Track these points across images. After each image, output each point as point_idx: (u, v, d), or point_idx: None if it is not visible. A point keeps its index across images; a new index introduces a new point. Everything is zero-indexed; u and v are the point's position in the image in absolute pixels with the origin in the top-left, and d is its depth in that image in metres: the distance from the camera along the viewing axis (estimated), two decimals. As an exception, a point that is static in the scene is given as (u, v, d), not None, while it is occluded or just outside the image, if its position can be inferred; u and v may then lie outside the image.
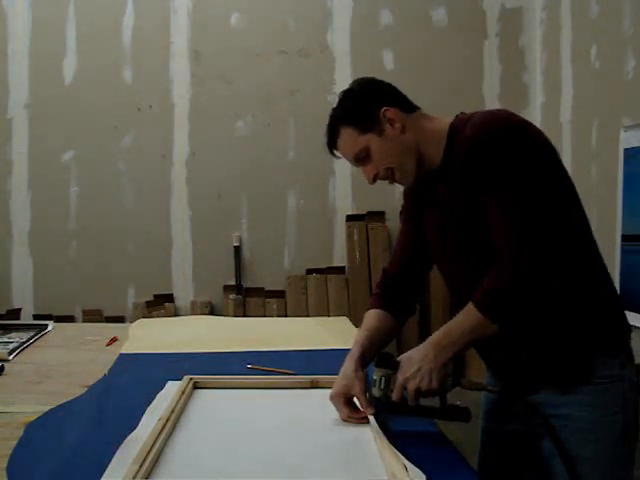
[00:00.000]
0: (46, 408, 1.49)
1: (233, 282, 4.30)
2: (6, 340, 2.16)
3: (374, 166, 1.39)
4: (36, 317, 4.11)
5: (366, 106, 1.37)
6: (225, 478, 1.11)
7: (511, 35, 4.37)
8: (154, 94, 4.29)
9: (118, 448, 1.20)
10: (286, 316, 4.16)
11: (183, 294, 4.35)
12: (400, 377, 1.30)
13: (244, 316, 4.15)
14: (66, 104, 4.25)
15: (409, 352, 1.34)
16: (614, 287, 1.39)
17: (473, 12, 4.38)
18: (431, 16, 4.32)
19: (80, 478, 1.12)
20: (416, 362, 1.30)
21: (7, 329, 2.33)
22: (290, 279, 4.33)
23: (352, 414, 1.36)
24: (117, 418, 1.40)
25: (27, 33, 4.25)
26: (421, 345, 1.33)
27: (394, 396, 1.30)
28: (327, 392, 1.47)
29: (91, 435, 1.31)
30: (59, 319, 3.63)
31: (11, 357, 1.95)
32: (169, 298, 4.32)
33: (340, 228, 4.39)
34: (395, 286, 1.61)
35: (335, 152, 1.43)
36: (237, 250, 4.32)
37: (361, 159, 1.39)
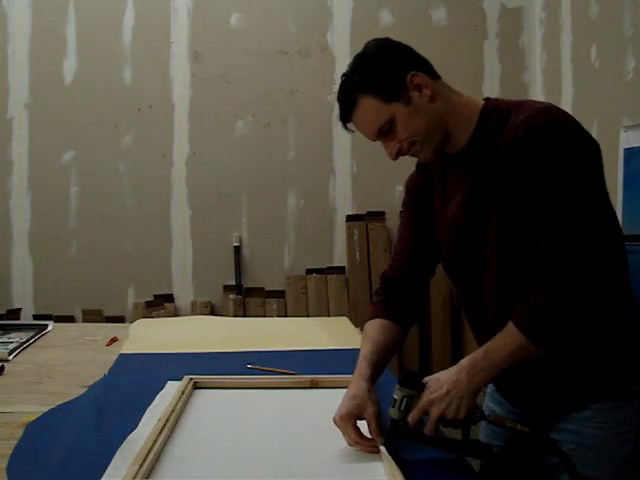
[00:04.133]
0: (46, 408, 1.49)
1: (233, 282, 4.30)
2: (6, 340, 2.16)
3: (398, 140, 1.23)
4: (36, 317, 4.11)
5: (390, 71, 1.21)
6: (225, 478, 1.11)
7: (511, 35, 4.37)
8: (154, 94, 4.29)
9: (118, 448, 1.20)
10: (286, 316, 4.16)
11: (183, 294, 4.35)
12: (424, 399, 1.16)
13: (244, 316, 4.15)
14: (66, 104, 4.25)
15: (438, 373, 1.20)
16: (635, 303, 1.29)
17: (473, 12, 4.38)
18: (431, 16, 4.32)
19: (80, 478, 1.12)
20: (445, 385, 1.16)
21: (7, 329, 2.33)
22: (290, 279, 4.33)
23: (360, 440, 1.21)
24: (117, 418, 1.40)
25: (27, 33, 4.25)
26: (453, 367, 1.19)
27: (410, 418, 1.17)
28: (327, 392, 1.47)
29: (91, 435, 1.31)
30: (59, 319, 3.63)
31: (11, 357, 1.95)
32: (169, 298, 4.32)
33: (340, 228, 4.38)
34: (397, 292, 1.46)
35: (349, 126, 1.29)
36: (237, 250, 4.31)
37: (384, 132, 1.23)
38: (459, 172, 1.27)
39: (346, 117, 1.29)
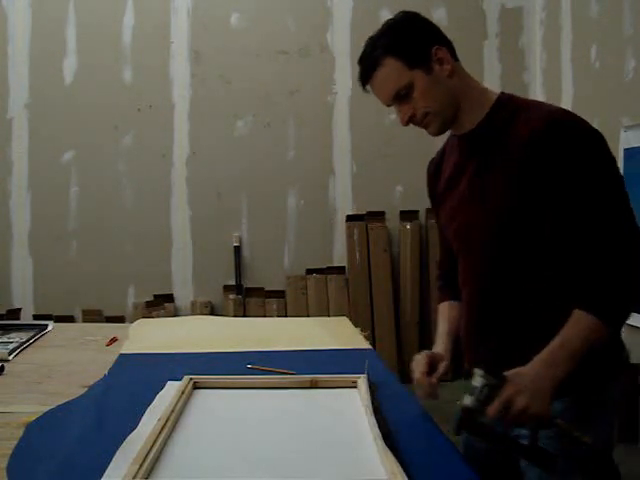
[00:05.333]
0: (46, 408, 1.49)
1: (233, 282, 4.30)
2: (6, 340, 2.15)
3: (413, 106, 1.28)
4: (36, 317, 4.11)
5: (418, 39, 1.27)
6: (225, 478, 1.11)
7: (511, 35, 4.37)
8: (154, 94, 4.29)
9: (118, 448, 1.20)
10: (286, 316, 4.16)
11: (183, 294, 4.35)
12: (510, 389, 1.12)
13: (244, 316, 4.15)
14: (66, 104, 4.25)
15: (517, 369, 1.17)
16: None
17: (473, 12, 4.38)
18: (431, 16, 4.29)
19: (80, 478, 1.12)
20: (527, 377, 1.14)
21: (7, 329, 2.32)
22: (290, 279, 4.33)
23: (424, 374, 1.37)
24: (117, 418, 1.39)
25: (27, 33, 4.25)
26: (531, 363, 1.17)
27: (492, 408, 1.12)
28: (327, 392, 1.47)
29: (91, 435, 1.31)
30: (59, 319, 3.63)
31: (11, 357, 1.94)
32: (169, 298, 4.32)
33: (340, 228, 4.39)
34: (450, 276, 1.51)
35: (367, 87, 1.31)
36: (237, 250, 4.32)
37: (401, 97, 1.28)
38: (464, 152, 1.34)
39: (366, 77, 1.29)
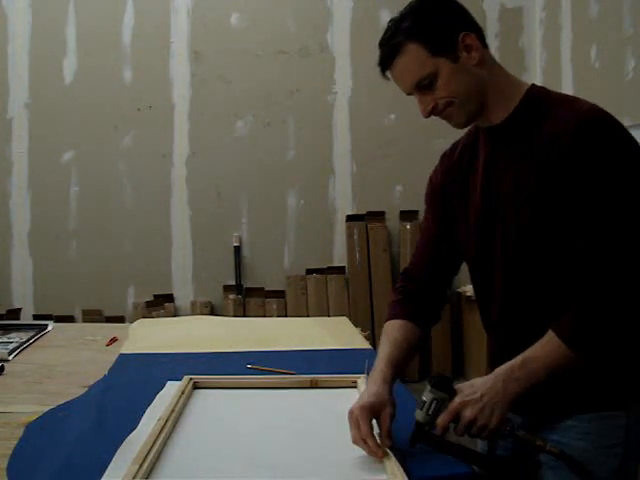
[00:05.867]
0: (46, 408, 1.49)
1: (233, 282, 4.30)
2: (6, 340, 2.16)
3: (435, 97, 1.18)
4: (36, 317, 4.11)
5: (444, 24, 1.17)
6: (225, 478, 1.11)
7: (511, 35, 4.37)
8: (154, 94, 4.29)
9: (118, 448, 1.20)
10: (286, 316, 4.16)
11: (183, 294, 4.35)
12: (457, 400, 1.12)
13: (244, 316, 4.15)
14: (66, 104, 4.25)
15: (473, 380, 1.16)
16: None
17: (473, 12, 4.32)
18: (431, 16, 4.31)
19: (80, 478, 1.12)
20: (479, 390, 1.12)
21: (7, 329, 2.32)
22: (290, 279, 4.33)
23: (369, 437, 1.16)
24: (117, 418, 1.40)
25: (27, 33, 4.25)
26: (489, 375, 1.15)
27: (440, 420, 1.12)
28: (327, 392, 1.47)
29: (91, 435, 1.31)
30: (59, 319, 3.63)
31: (11, 357, 1.95)
32: (169, 298, 4.32)
33: (340, 228, 4.38)
34: (419, 291, 1.37)
35: (387, 73, 1.21)
36: (237, 250, 4.31)
37: (423, 86, 1.17)
38: (489, 146, 1.24)
39: (387, 63, 1.19)
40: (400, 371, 1.30)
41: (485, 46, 1.20)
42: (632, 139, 1.14)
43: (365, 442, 1.16)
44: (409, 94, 1.22)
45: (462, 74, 1.17)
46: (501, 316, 1.26)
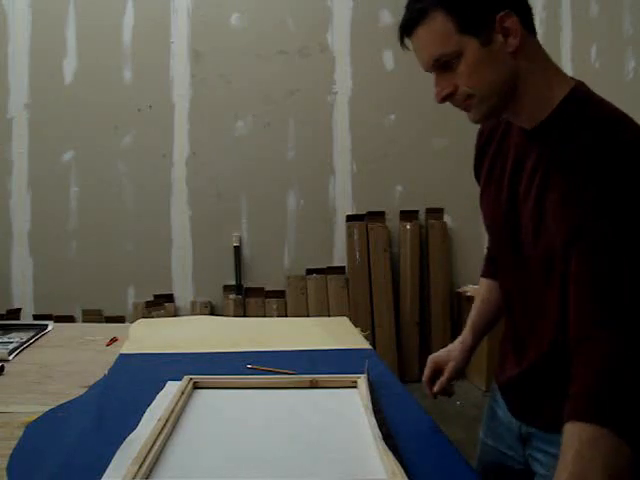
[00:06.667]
0: (46, 408, 1.49)
1: (233, 282, 4.30)
2: (6, 340, 2.15)
3: (455, 82, 1.01)
4: (36, 317, 4.11)
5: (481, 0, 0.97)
6: (225, 478, 1.11)
7: (511, 35, 4.37)
8: (154, 94, 4.29)
9: (118, 448, 1.20)
10: (286, 316, 4.16)
11: (183, 294, 4.35)
12: None
13: (244, 316, 4.15)
14: (66, 104, 4.25)
15: None
16: None
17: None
18: (431, 16, 4.31)
19: (80, 478, 1.12)
20: None
21: (7, 329, 2.32)
22: (290, 279, 4.33)
23: (428, 381, 1.40)
24: (117, 418, 1.39)
25: (27, 33, 4.25)
26: None
27: None
28: (327, 392, 1.47)
29: (91, 435, 1.31)
30: (59, 319, 3.63)
31: (11, 357, 1.94)
32: (169, 298, 4.32)
33: (340, 228, 4.39)
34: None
35: (406, 41, 1.03)
36: (237, 250, 4.32)
37: (441, 64, 1.01)
38: (518, 147, 1.10)
39: (409, 28, 1.01)
40: (486, 330, 1.40)
41: (531, 32, 1.03)
42: None
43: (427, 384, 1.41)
44: (427, 70, 1.05)
45: (491, 62, 0.99)
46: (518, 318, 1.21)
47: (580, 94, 1.04)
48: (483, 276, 1.44)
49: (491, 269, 1.39)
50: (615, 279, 0.92)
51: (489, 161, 1.20)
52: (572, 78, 1.08)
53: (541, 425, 1.18)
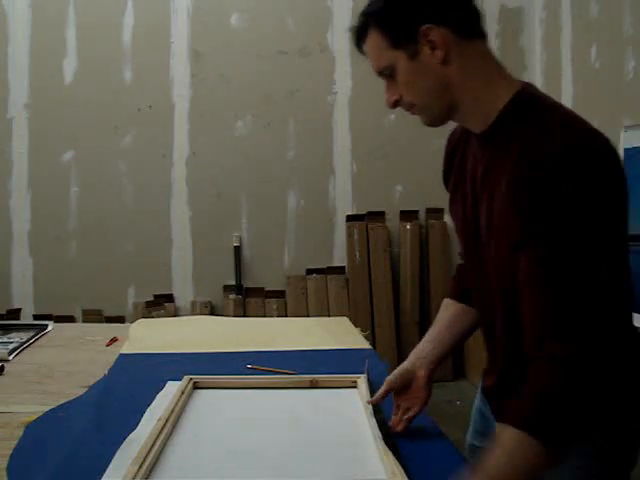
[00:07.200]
0: (46, 408, 1.49)
1: (233, 282, 4.30)
2: (6, 340, 2.15)
3: (397, 91, 1.07)
4: (36, 317, 4.11)
5: (405, 13, 1.02)
6: (225, 478, 1.11)
7: (511, 35, 4.37)
8: (154, 94, 4.29)
9: (118, 448, 1.20)
10: (286, 316, 4.16)
11: (183, 294, 4.35)
12: None
13: (244, 316, 4.15)
14: (66, 104, 4.25)
15: None
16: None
17: (473, 12, 4.38)
18: (431, 16, 4.31)
19: (80, 478, 1.12)
20: None
21: (7, 329, 2.32)
22: (290, 279, 4.33)
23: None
24: (117, 418, 1.40)
25: (27, 33, 4.25)
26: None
27: None
28: (327, 392, 1.47)
29: (91, 435, 1.31)
30: (59, 319, 3.63)
31: (11, 357, 1.95)
32: (169, 298, 4.32)
33: (340, 228, 4.39)
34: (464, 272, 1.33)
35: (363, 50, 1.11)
36: (237, 250, 4.31)
37: (385, 75, 1.08)
38: (473, 153, 1.12)
39: (357, 45, 1.11)
40: (442, 345, 1.33)
41: (470, 34, 1.04)
42: (604, 189, 0.93)
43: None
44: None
45: (421, 73, 1.03)
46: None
47: (526, 95, 1.05)
48: (447, 296, 1.38)
49: (454, 289, 1.37)
50: (561, 284, 0.93)
51: (455, 168, 1.22)
52: (520, 81, 1.09)
53: None
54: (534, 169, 0.94)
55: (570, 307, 0.92)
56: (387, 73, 1.06)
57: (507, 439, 0.93)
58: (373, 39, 1.06)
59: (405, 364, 1.33)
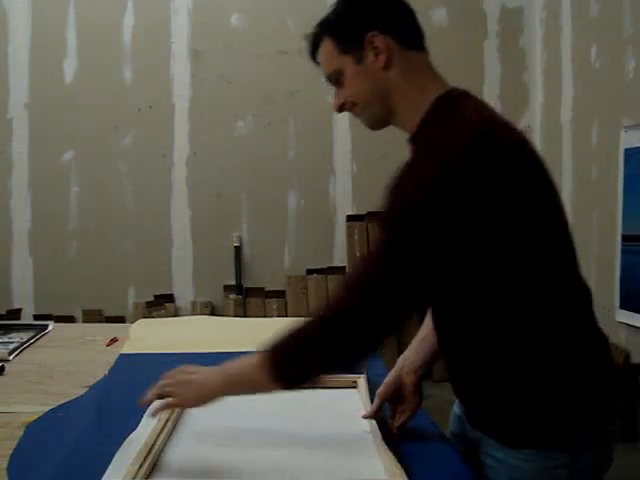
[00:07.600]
0: (46, 408, 1.49)
1: (233, 282, 4.30)
2: (6, 340, 2.15)
3: (343, 95, 1.16)
4: (36, 317, 4.11)
5: (353, 22, 1.13)
6: (225, 478, 1.11)
7: (511, 35, 4.37)
8: (154, 94, 4.29)
9: (118, 448, 1.20)
10: (286, 316, 4.16)
11: (183, 294, 4.36)
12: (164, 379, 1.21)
13: (244, 316, 4.15)
14: (66, 104, 4.25)
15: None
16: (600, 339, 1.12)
17: (473, 12, 4.38)
18: (431, 16, 4.31)
19: (80, 478, 1.12)
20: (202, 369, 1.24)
21: (7, 329, 2.32)
22: (290, 279, 4.33)
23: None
24: (117, 418, 1.39)
25: (27, 33, 4.25)
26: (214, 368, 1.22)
27: (148, 395, 1.21)
28: (327, 392, 1.47)
29: (91, 435, 1.31)
30: (59, 319, 3.63)
31: (11, 357, 1.94)
32: (169, 298, 4.32)
33: (340, 228, 4.39)
34: None
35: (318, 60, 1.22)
36: (237, 250, 4.32)
37: (333, 81, 1.17)
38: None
39: (311, 53, 1.23)
40: (428, 350, 1.38)
41: (412, 45, 1.13)
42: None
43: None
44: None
45: (365, 76, 1.12)
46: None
47: (446, 99, 1.10)
48: None
49: None
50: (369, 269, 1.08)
51: None
52: (452, 86, 1.14)
53: (482, 429, 1.16)
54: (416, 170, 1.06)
55: (367, 290, 1.07)
56: (335, 78, 1.16)
57: (258, 354, 1.12)
58: (326, 46, 1.16)
59: (393, 372, 1.34)
